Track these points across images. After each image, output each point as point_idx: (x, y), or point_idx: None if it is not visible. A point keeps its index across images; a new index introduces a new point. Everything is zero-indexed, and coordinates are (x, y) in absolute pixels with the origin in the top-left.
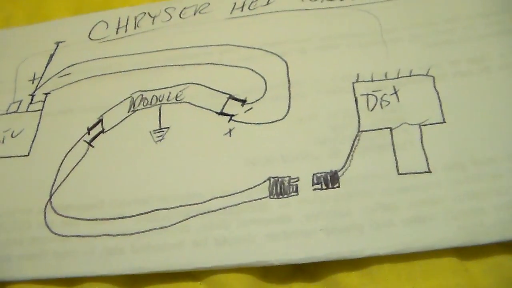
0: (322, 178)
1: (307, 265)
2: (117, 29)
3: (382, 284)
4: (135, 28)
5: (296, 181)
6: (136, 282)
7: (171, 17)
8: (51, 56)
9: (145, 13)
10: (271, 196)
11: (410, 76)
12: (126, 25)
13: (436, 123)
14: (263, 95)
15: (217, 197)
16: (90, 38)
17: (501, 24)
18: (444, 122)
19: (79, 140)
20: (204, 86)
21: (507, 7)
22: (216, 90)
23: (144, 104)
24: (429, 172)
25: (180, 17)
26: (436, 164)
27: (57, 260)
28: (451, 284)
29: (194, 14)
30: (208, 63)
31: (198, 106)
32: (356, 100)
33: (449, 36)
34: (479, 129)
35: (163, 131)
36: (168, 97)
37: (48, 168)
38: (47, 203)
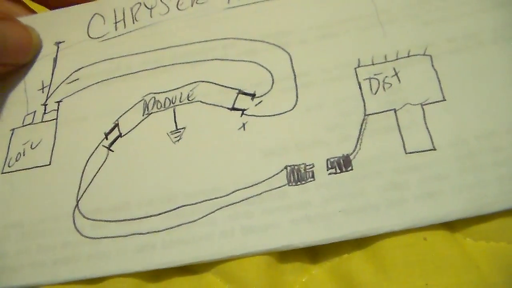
0: (335, 163)
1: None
2: (115, 24)
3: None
4: (133, 23)
5: (311, 168)
6: (158, 276)
7: (168, 9)
8: (55, 60)
9: (141, 3)
10: (290, 184)
11: (408, 56)
12: (124, 19)
13: (437, 101)
14: (271, 88)
15: (239, 189)
16: (89, 37)
17: None
18: (445, 100)
19: (98, 145)
20: (213, 83)
21: None
22: (225, 86)
23: (158, 107)
24: (434, 149)
25: (178, 8)
26: (441, 141)
27: (90, 261)
28: (464, 281)
29: (192, 5)
30: (213, 59)
31: (210, 104)
32: (359, 85)
33: (443, 13)
34: (478, 104)
35: (180, 131)
36: (180, 97)
37: (72, 175)
38: (74, 209)
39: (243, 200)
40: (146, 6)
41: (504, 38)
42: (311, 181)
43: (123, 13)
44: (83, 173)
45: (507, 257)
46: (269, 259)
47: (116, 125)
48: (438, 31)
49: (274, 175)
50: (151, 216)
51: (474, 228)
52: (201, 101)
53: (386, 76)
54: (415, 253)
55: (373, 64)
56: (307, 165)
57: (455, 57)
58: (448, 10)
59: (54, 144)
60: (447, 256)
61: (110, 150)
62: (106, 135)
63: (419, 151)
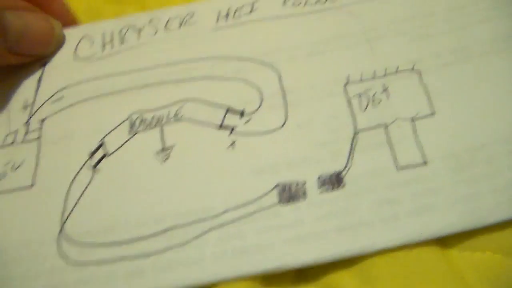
0: (327, 180)
1: (309, 269)
2: (103, 45)
3: None
4: (121, 44)
5: (303, 185)
6: None
7: (157, 31)
8: (39, 79)
9: (130, 26)
10: (281, 202)
11: (397, 72)
12: (112, 41)
13: (427, 116)
14: (260, 106)
15: (231, 209)
16: (76, 57)
17: (475, 14)
18: (435, 114)
19: (83, 165)
20: (200, 101)
21: None
22: (213, 104)
23: (145, 126)
24: (426, 164)
25: (166, 29)
26: (432, 156)
27: None
28: None
29: (180, 27)
30: (201, 77)
31: (198, 122)
32: (349, 101)
33: (429, 29)
34: (467, 117)
35: (167, 151)
36: (168, 116)
37: (56, 196)
38: (59, 233)
39: (234, 220)
40: (134, 29)
41: (491, 52)
42: (303, 199)
43: (112, 35)
44: (67, 194)
45: (492, 267)
46: (256, 280)
47: (102, 144)
48: (426, 46)
49: (265, 194)
50: (140, 238)
51: (460, 238)
52: (188, 120)
53: (376, 92)
54: (400, 264)
55: (362, 81)
56: (299, 183)
57: (443, 71)
58: (434, 26)
59: (37, 164)
60: (431, 267)
61: (96, 170)
62: (91, 154)
63: (411, 166)
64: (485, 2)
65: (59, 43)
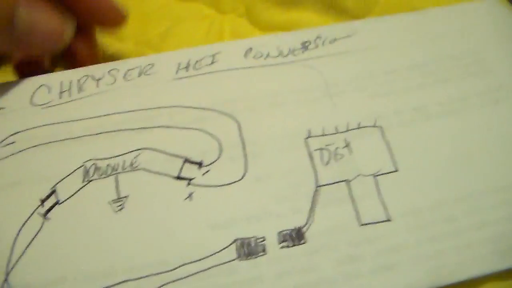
0: (287, 236)
1: None
2: (60, 94)
3: None
4: (79, 92)
5: (262, 241)
6: None
7: (115, 80)
8: None
9: (88, 76)
10: (240, 258)
11: (359, 128)
12: (70, 89)
13: (389, 172)
14: (219, 157)
15: (186, 263)
16: (32, 104)
17: (434, 74)
18: (397, 170)
19: (32, 213)
20: (158, 150)
21: (437, 58)
22: (170, 154)
23: (99, 174)
24: (389, 220)
25: (125, 79)
26: (395, 212)
27: None
28: None
29: (139, 76)
30: (158, 126)
31: (155, 172)
32: (310, 155)
33: (389, 87)
34: (429, 174)
35: (122, 200)
36: (123, 165)
37: (1, 245)
38: (3, 285)
39: (190, 275)
40: (93, 78)
41: (449, 112)
42: (262, 255)
43: (70, 84)
44: (14, 243)
45: None
46: None
47: (54, 191)
48: (386, 103)
49: (223, 249)
50: None
51: None
52: (145, 169)
53: (337, 147)
54: None
55: (323, 135)
56: (258, 238)
57: (404, 129)
58: (394, 84)
59: None
60: None
61: (46, 218)
62: (43, 201)
63: (374, 222)
64: (445, 62)
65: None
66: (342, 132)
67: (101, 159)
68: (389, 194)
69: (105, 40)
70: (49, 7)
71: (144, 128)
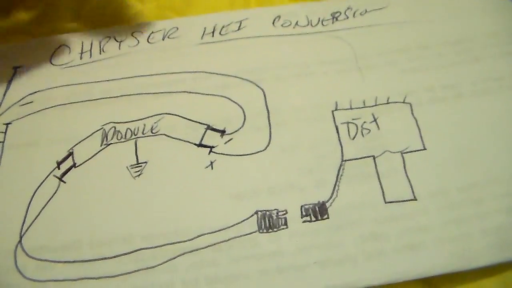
0: (310, 210)
1: None
2: (81, 54)
3: None
4: (100, 53)
5: (284, 214)
6: None
7: (138, 42)
8: (9, 82)
9: (110, 37)
10: (261, 231)
11: (387, 103)
12: (91, 50)
13: (417, 150)
14: (242, 125)
15: (205, 234)
16: (51, 63)
17: (469, 52)
18: (425, 149)
19: (48, 175)
20: (180, 116)
21: (473, 35)
22: (193, 121)
23: (118, 138)
24: (415, 199)
25: (148, 42)
26: (421, 192)
27: None
28: None
29: (163, 39)
30: (182, 91)
31: (176, 138)
32: (337, 128)
33: (422, 62)
34: (458, 155)
35: (141, 166)
36: (143, 129)
37: (16, 206)
38: (17, 245)
39: (208, 246)
40: (115, 40)
41: (483, 91)
42: (283, 228)
43: (91, 45)
44: (29, 205)
45: None
46: None
47: (71, 153)
48: (417, 79)
49: (243, 221)
50: (104, 258)
51: (448, 279)
52: (165, 135)
53: (365, 122)
54: None
55: (351, 109)
56: (280, 211)
57: (434, 107)
58: (427, 60)
59: None
60: None
61: (62, 181)
62: (59, 164)
63: (399, 201)
64: (481, 40)
65: None
66: (370, 106)
67: (120, 122)
68: (416, 173)
69: None
70: None
71: (166, 92)
